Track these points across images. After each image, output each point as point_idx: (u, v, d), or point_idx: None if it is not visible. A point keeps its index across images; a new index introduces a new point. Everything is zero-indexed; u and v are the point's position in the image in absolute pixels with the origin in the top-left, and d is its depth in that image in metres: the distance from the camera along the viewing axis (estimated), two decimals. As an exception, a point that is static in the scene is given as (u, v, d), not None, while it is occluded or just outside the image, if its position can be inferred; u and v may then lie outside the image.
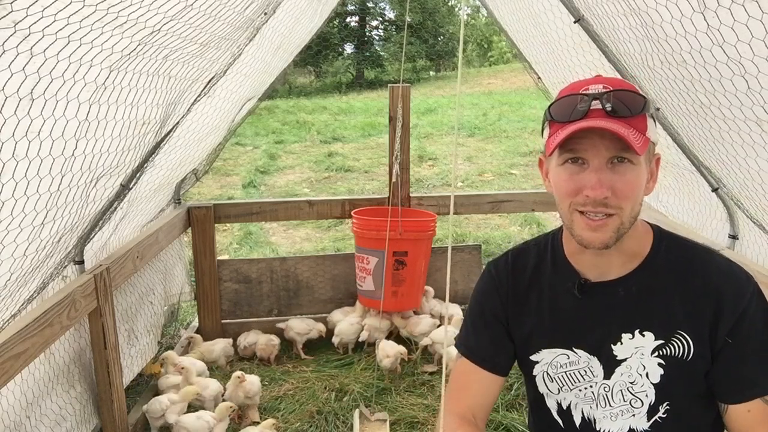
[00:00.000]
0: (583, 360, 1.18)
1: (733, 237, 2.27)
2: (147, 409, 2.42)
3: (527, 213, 5.49)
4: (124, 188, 2.03)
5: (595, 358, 1.17)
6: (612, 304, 1.16)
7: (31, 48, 1.05)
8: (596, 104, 1.04)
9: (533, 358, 1.24)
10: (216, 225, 3.29)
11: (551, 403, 1.25)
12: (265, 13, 2.09)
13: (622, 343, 1.14)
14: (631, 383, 1.15)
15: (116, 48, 1.31)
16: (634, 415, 1.15)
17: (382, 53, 22.90)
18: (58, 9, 1.03)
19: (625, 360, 1.14)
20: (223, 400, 2.54)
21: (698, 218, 2.50)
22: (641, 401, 1.14)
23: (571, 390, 1.20)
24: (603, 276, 1.17)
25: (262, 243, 5.37)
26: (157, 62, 1.59)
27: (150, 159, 2.10)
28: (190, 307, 3.64)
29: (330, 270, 3.41)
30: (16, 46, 1.01)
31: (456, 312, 3.25)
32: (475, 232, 5.51)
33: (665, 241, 1.18)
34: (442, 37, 23.33)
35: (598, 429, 1.19)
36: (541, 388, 1.24)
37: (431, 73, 23.75)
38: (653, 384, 1.13)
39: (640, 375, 1.14)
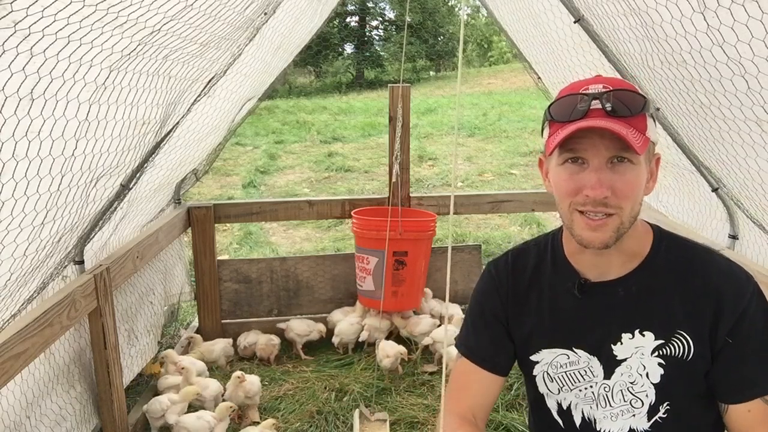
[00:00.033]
0: (583, 360, 1.18)
1: (733, 237, 2.27)
2: (147, 409, 2.42)
3: (527, 213, 5.49)
4: (124, 188, 2.03)
5: (595, 358, 1.17)
6: (612, 304, 1.16)
7: (31, 48, 1.05)
8: (596, 104, 1.04)
9: (533, 358, 1.24)
10: (216, 225, 3.29)
11: (551, 404, 1.25)
12: (265, 13, 2.09)
13: (622, 343, 1.14)
14: (631, 383, 1.14)
15: (116, 48, 1.31)
16: (634, 416, 1.15)
17: (382, 53, 22.90)
18: (58, 9, 1.03)
19: (625, 360, 1.14)
20: (223, 400, 2.54)
21: (698, 218, 2.50)
22: (641, 401, 1.14)
23: (571, 390, 1.20)
24: (603, 276, 1.17)
25: (262, 243, 5.37)
26: (157, 62, 1.59)
27: (150, 159, 2.10)
28: (190, 307, 3.64)
29: (330, 270, 3.41)
30: (16, 46, 1.01)
31: (456, 312, 3.25)
32: (475, 232, 5.51)
33: (665, 241, 1.18)
34: (442, 37, 23.33)
35: (598, 429, 1.19)
36: (541, 389, 1.24)
37: (431, 73, 23.75)
38: (653, 384, 1.13)
39: (640, 375, 1.14)
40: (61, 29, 1.08)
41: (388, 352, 2.89)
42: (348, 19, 22.91)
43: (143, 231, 2.69)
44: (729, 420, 1.13)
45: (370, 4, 23.28)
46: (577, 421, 1.21)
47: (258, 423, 2.48)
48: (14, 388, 1.78)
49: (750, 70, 1.24)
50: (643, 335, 1.13)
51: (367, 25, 23.56)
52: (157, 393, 2.61)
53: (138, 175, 2.08)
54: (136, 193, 2.26)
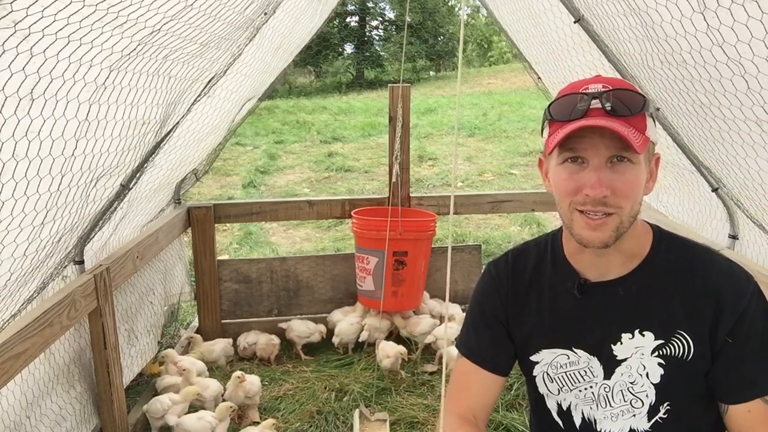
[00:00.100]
0: (583, 360, 1.18)
1: (733, 237, 2.27)
2: (148, 409, 2.41)
3: (527, 213, 5.49)
4: (124, 188, 2.03)
5: (595, 358, 1.17)
6: (612, 304, 1.16)
7: (31, 48, 1.05)
8: (596, 103, 1.04)
9: (533, 358, 1.24)
10: (216, 225, 3.29)
11: (551, 404, 1.25)
12: (265, 13, 2.09)
13: (622, 343, 1.14)
14: (631, 383, 1.14)
15: (116, 48, 1.31)
16: (634, 416, 1.15)
17: (382, 53, 22.90)
18: (58, 9, 1.03)
19: (625, 360, 1.14)
20: (223, 400, 2.54)
21: (698, 218, 2.50)
22: (641, 401, 1.14)
23: (571, 390, 1.20)
24: (603, 276, 1.17)
25: (262, 243, 5.37)
26: (157, 62, 1.59)
27: (150, 159, 2.10)
28: (190, 307, 3.64)
29: (330, 270, 3.41)
30: (16, 46, 1.01)
31: (456, 312, 3.25)
32: (475, 232, 5.51)
33: (665, 241, 1.18)
34: (442, 37, 23.33)
35: (598, 429, 1.19)
36: (541, 389, 1.24)
37: (431, 73, 23.75)
38: (653, 384, 1.13)
39: (640, 375, 1.14)
40: (61, 29, 1.08)
41: (388, 352, 2.89)
42: (348, 19, 22.92)
43: (143, 231, 2.69)
44: (729, 420, 1.13)
45: (370, 4, 23.28)
46: (577, 421, 1.21)
47: (258, 423, 2.48)
48: (14, 388, 1.78)
49: (750, 70, 1.24)
50: (643, 335, 1.13)
51: (367, 25, 23.57)
52: (156, 393, 2.61)
53: (138, 175, 2.08)
54: (136, 193, 2.26)
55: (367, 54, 22.13)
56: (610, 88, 1.05)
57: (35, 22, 1.01)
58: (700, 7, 1.22)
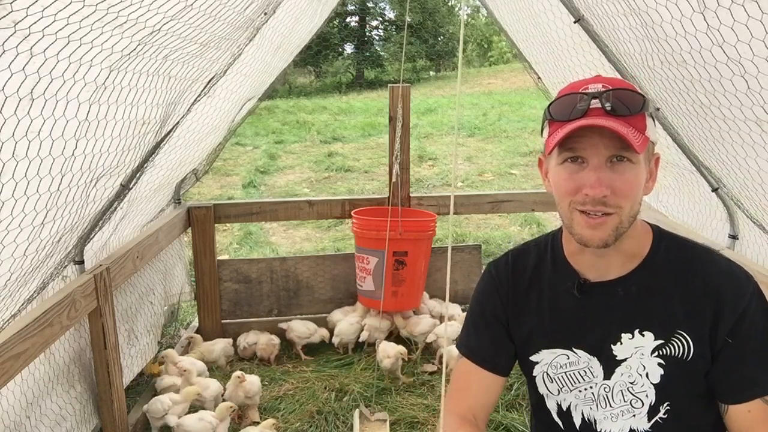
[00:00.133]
0: (583, 360, 1.18)
1: (733, 237, 2.27)
2: (148, 409, 2.41)
3: (527, 213, 5.49)
4: (124, 188, 2.03)
5: (595, 358, 1.17)
6: (612, 304, 1.16)
7: (31, 48, 1.05)
8: (596, 103, 1.04)
9: (533, 358, 1.24)
10: (216, 225, 3.29)
11: (551, 405, 1.25)
12: (265, 13, 2.09)
13: (621, 343, 1.14)
14: (631, 383, 1.14)
15: (116, 48, 1.31)
16: (634, 416, 1.15)
17: (382, 53, 22.91)
18: (58, 9, 1.03)
19: (625, 360, 1.14)
20: (223, 400, 2.54)
21: (698, 218, 2.50)
22: (641, 401, 1.14)
23: (571, 391, 1.20)
24: (602, 276, 1.17)
25: (262, 243, 5.37)
26: (157, 62, 1.59)
27: (150, 159, 2.10)
28: (190, 307, 3.64)
29: (330, 270, 3.41)
30: (16, 46, 1.01)
31: (456, 312, 3.25)
32: (475, 232, 5.51)
33: (665, 241, 1.18)
34: (442, 37, 23.34)
35: (598, 430, 1.18)
36: (541, 389, 1.24)
37: (431, 73, 23.76)
38: (653, 384, 1.13)
39: (640, 375, 1.13)
40: (61, 29, 1.08)
41: (389, 352, 2.89)
42: (348, 19, 22.92)
43: (143, 231, 2.69)
44: (729, 420, 1.13)
45: (370, 4, 23.28)
46: (577, 422, 1.21)
47: (258, 423, 2.48)
48: (14, 388, 1.78)
49: (750, 70, 1.24)
50: (643, 335, 1.13)
51: (367, 25, 23.57)
52: (156, 393, 2.61)
53: (138, 175, 2.08)
54: (136, 193, 2.26)
55: (367, 54, 22.14)
56: (610, 87, 1.05)
57: (35, 22, 1.01)
58: (700, 7, 1.22)
